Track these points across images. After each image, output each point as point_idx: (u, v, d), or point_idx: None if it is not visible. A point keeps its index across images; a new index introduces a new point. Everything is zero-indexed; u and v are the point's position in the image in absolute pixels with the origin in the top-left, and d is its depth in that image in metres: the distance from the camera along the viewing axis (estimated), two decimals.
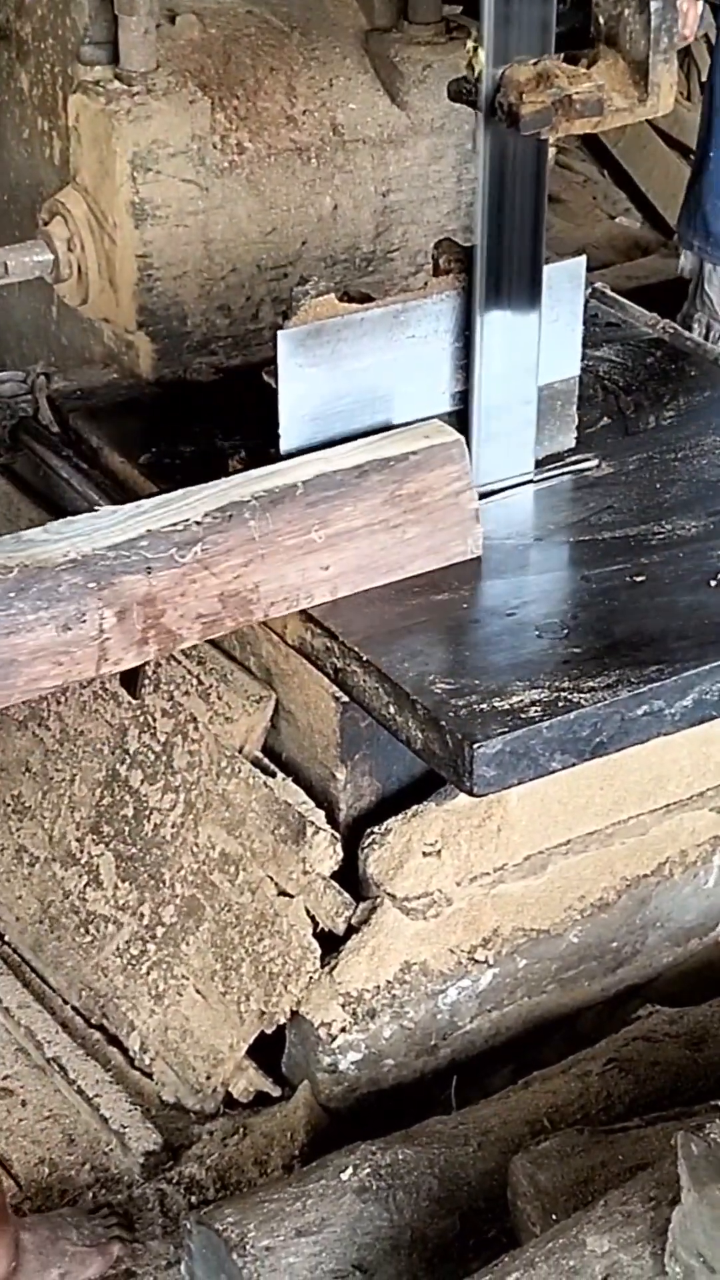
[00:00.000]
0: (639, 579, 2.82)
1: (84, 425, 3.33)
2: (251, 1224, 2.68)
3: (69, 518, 2.70)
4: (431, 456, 2.84)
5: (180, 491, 2.74)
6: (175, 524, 2.67)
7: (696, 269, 3.98)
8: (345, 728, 2.93)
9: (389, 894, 2.98)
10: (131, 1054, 3.24)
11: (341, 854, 2.97)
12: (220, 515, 2.69)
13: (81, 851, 3.34)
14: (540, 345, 3.00)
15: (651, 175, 5.94)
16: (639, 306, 3.62)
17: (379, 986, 3.00)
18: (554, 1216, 2.56)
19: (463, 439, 2.89)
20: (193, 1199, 3.02)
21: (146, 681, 3.21)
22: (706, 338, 3.87)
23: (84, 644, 2.59)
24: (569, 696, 2.57)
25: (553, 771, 2.60)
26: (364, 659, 2.69)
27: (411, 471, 2.82)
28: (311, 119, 3.43)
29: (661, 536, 2.92)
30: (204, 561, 2.66)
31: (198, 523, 2.68)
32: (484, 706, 2.56)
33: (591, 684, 2.59)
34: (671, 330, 3.46)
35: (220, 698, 3.10)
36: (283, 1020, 3.03)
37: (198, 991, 3.14)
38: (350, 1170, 2.74)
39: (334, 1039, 2.99)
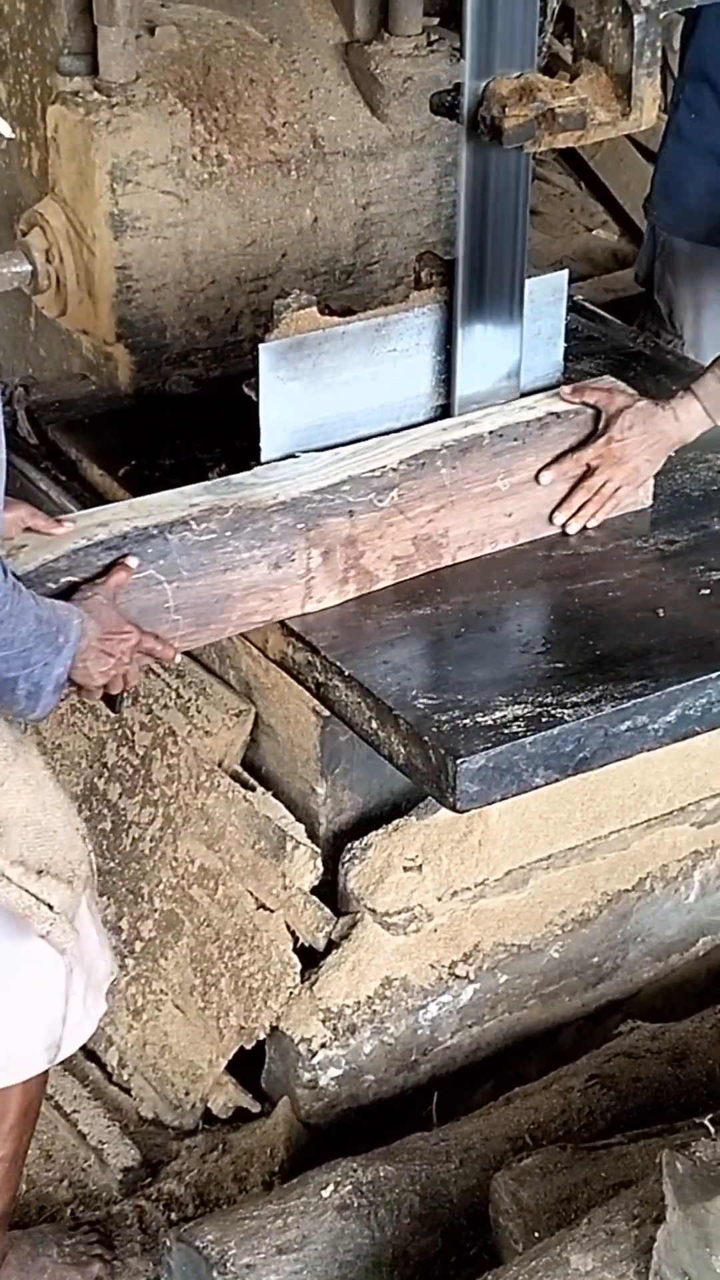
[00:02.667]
0: (621, 594, 2.81)
1: (62, 437, 3.31)
2: (232, 1241, 2.67)
3: (275, 464, 2.83)
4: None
5: (375, 440, 2.87)
6: (374, 470, 2.80)
7: (647, 272, 3.96)
8: (326, 742, 2.92)
9: (370, 909, 2.97)
10: (110, 1069, 3.23)
11: (322, 868, 2.96)
12: (414, 463, 2.82)
13: None
14: (522, 358, 2.99)
15: (628, 188, 5.95)
16: (617, 319, 3.62)
17: (359, 1002, 2.99)
18: (537, 1234, 2.55)
19: (638, 395, 2.96)
20: (172, 1216, 3.00)
21: (126, 695, 3.18)
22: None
23: (292, 581, 2.75)
24: (552, 712, 2.56)
25: (536, 787, 2.59)
26: (345, 673, 2.68)
27: (589, 425, 2.94)
28: (291, 131, 3.42)
29: (643, 551, 2.91)
30: (400, 506, 2.80)
31: (394, 469, 2.81)
32: (467, 721, 2.55)
33: (575, 699, 2.59)
34: (652, 344, 3.46)
35: (200, 711, 3.09)
36: (262, 1035, 3.02)
37: (176, 1007, 3.13)
38: (331, 1187, 2.73)
39: (314, 1054, 2.98)
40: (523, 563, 2.85)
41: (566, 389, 2.99)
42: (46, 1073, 2.75)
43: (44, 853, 2.55)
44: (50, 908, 2.54)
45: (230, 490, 2.76)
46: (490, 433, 2.88)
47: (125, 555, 2.63)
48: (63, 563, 2.59)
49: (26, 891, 2.52)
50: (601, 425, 2.93)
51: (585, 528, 2.94)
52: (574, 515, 2.94)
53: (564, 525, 2.94)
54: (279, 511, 2.72)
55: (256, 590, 2.72)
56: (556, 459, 2.92)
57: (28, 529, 2.67)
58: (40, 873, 2.53)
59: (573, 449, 2.93)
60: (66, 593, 2.57)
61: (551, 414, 2.93)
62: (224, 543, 2.69)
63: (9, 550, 2.60)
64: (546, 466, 2.91)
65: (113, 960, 2.81)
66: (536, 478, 2.91)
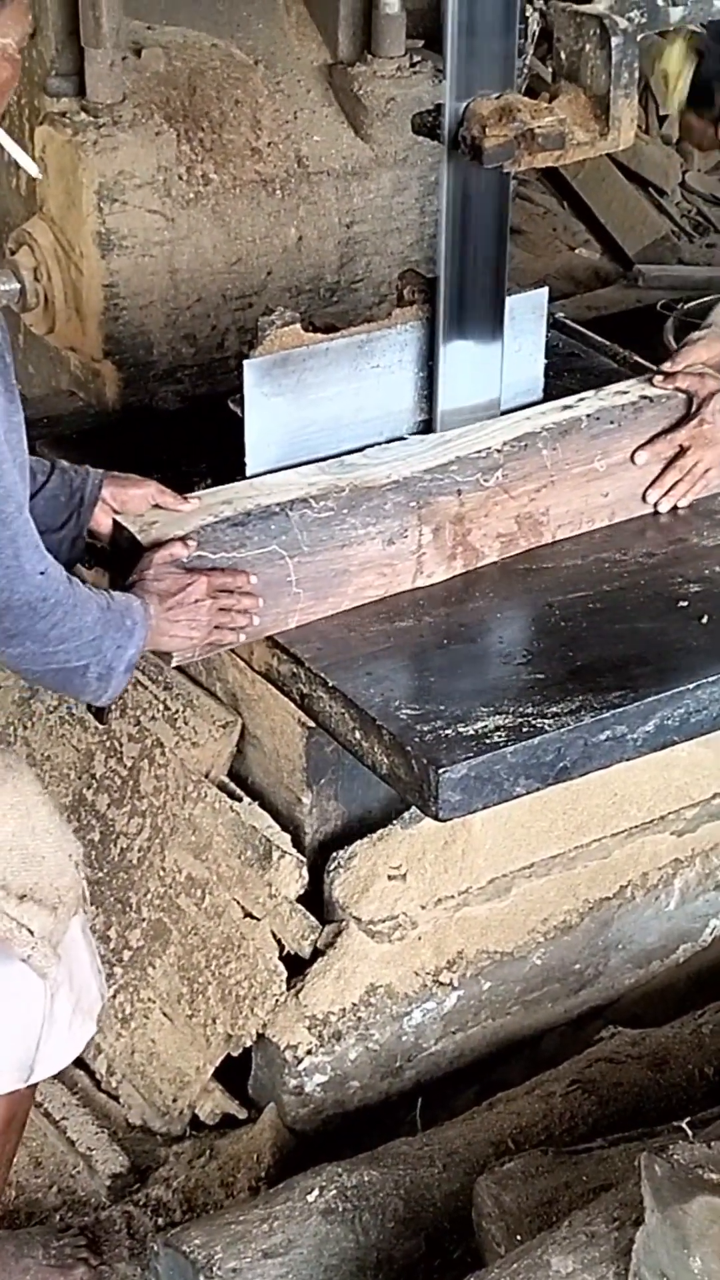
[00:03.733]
0: (600, 605, 2.82)
1: (50, 453, 3.30)
2: (218, 1246, 2.67)
3: (387, 445, 2.93)
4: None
5: (478, 424, 2.97)
6: (479, 451, 2.90)
7: None
8: (311, 753, 2.93)
9: (354, 917, 2.97)
10: (98, 1077, 3.23)
11: (307, 878, 2.97)
12: (517, 445, 2.92)
13: None
14: (503, 375, 3.00)
15: (610, 207, 5.96)
16: (599, 337, 3.63)
17: (344, 1009, 3.00)
18: (519, 1237, 2.56)
19: None
20: (159, 1221, 3.00)
21: (114, 707, 3.19)
22: None
23: (404, 557, 2.83)
24: (533, 722, 2.57)
25: (517, 796, 2.60)
26: (330, 685, 2.68)
27: (680, 408, 3.01)
28: (276, 151, 3.43)
29: (622, 564, 2.92)
30: (504, 485, 2.89)
31: (498, 450, 2.90)
32: (449, 732, 2.56)
33: (555, 709, 2.59)
34: (633, 361, 3.47)
35: (187, 723, 3.09)
36: (249, 1043, 3.02)
37: (164, 1015, 3.13)
38: (316, 1192, 2.73)
39: (300, 1061, 2.98)
40: (503, 576, 2.86)
41: (659, 376, 3.09)
42: (34, 1087, 2.76)
43: (28, 878, 2.55)
44: (30, 932, 2.55)
45: (345, 470, 2.86)
46: (588, 416, 2.97)
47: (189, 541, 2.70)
48: (194, 537, 2.70)
49: (7, 915, 2.53)
50: (694, 408, 3.02)
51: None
52: (666, 494, 3.02)
53: (656, 504, 3.02)
54: (392, 490, 2.81)
55: (371, 565, 2.80)
56: (650, 440, 3.00)
57: (156, 505, 2.77)
58: (23, 898, 2.54)
59: (666, 431, 3.01)
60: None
61: (645, 398, 3.02)
62: (341, 520, 2.77)
63: (140, 526, 2.72)
64: (641, 447, 2.99)
65: (104, 985, 2.81)
66: (632, 458, 2.99)
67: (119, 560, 2.75)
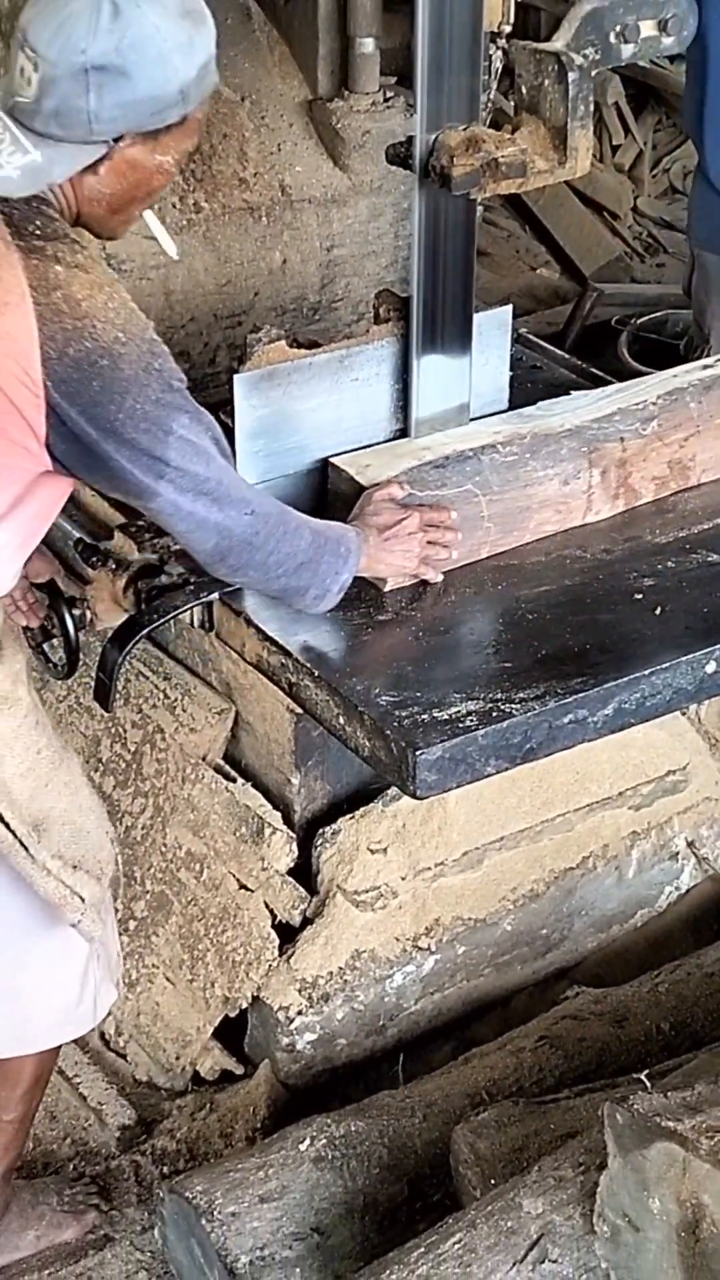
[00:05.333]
0: (563, 599, 2.80)
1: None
2: (219, 1192, 2.66)
3: (555, 399, 3.03)
4: None
5: (633, 380, 3.08)
6: (638, 403, 2.98)
7: (687, 284, 3.95)
8: (299, 737, 2.91)
9: (340, 888, 2.96)
10: (107, 1037, 3.21)
11: (297, 852, 2.96)
12: (669, 398, 2.99)
13: None
14: (471, 386, 2.98)
15: (569, 231, 5.95)
16: (558, 350, 3.62)
17: (332, 973, 2.98)
18: (493, 1181, 2.55)
19: None
20: (164, 1169, 2.99)
21: (118, 696, 3.17)
22: None
23: (577, 496, 2.91)
24: (502, 707, 2.55)
25: (488, 775, 2.58)
26: (315, 674, 2.66)
27: None
28: (262, 181, 3.41)
29: (583, 560, 2.90)
30: (659, 434, 2.97)
31: (653, 403, 2.98)
32: (425, 717, 2.53)
33: (522, 695, 2.57)
34: (591, 373, 3.45)
35: (185, 710, 3.07)
36: (245, 1004, 3.01)
37: (167, 979, 3.11)
38: (307, 1141, 2.72)
39: (291, 1021, 2.97)
40: (473, 574, 2.84)
41: None
42: (58, 1046, 2.75)
43: (78, 850, 2.56)
44: (82, 899, 2.55)
45: (524, 421, 2.95)
46: None
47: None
48: (402, 477, 2.79)
49: (63, 884, 2.53)
50: None
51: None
52: None
53: None
54: (567, 437, 2.90)
55: (550, 503, 2.88)
56: None
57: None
58: (75, 867, 2.55)
59: None
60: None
61: None
62: (524, 463, 2.86)
63: (356, 469, 2.82)
64: None
65: (120, 953, 2.81)
66: None
67: (337, 504, 2.82)
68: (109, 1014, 3.17)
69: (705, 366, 3.08)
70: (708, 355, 3.75)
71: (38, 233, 2.27)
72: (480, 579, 2.85)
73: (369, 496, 2.75)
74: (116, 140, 2.27)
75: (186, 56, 2.25)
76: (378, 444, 2.95)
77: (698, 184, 3.75)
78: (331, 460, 2.87)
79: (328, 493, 2.89)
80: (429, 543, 2.73)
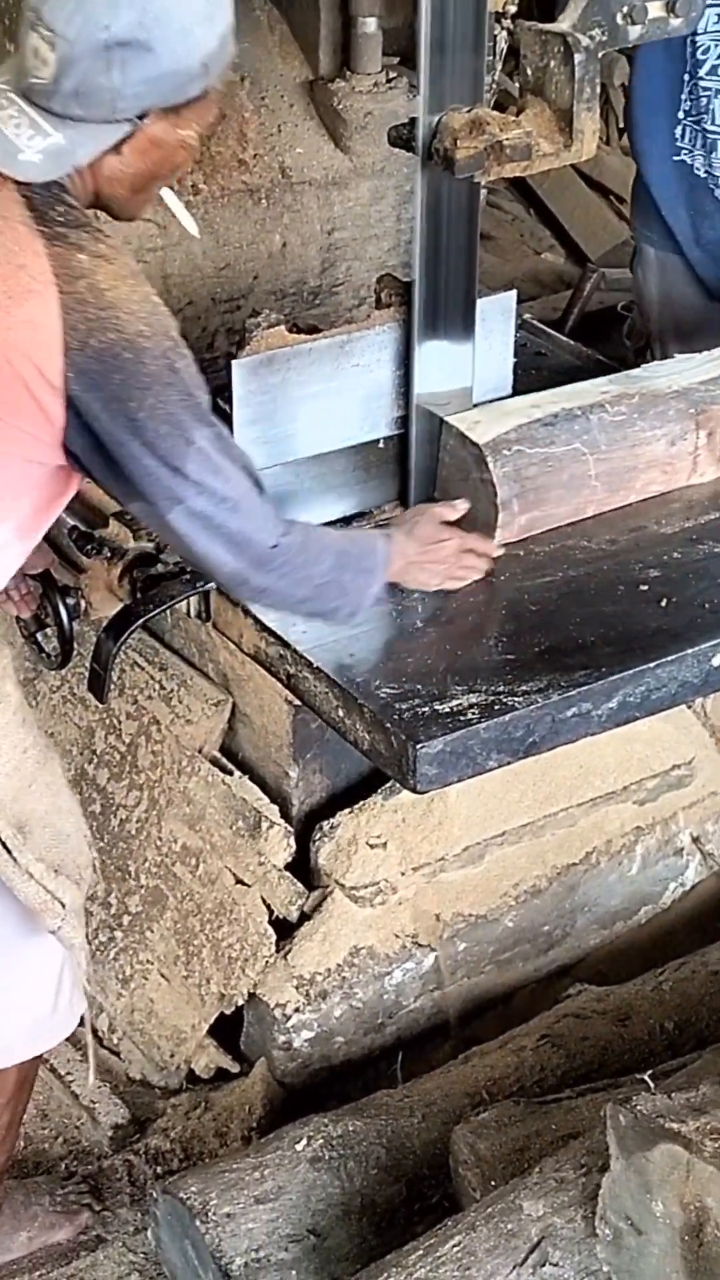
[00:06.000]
0: (567, 590, 2.80)
1: None
2: (213, 1192, 2.65)
3: (660, 361, 3.10)
4: None
5: None
6: None
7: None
8: (297, 729, 2.91)
9: (339, 883, 2.95)
10: (100, 1034, 3.21)
11: (295, 846, 2.95)
12: None
13: None
14: (474, 373, 2.97)
15: (574, 214, 5.94)
16: (563, 337, 3.61)
17: (330, 969, 2.98)
18: (493, 1183, 2.54)
19: None
20: (158, 1169, 2.99)
21: (112, 687, 3.16)
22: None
23: (683, 457, 2.96)
24: (504, 700, 2.55)
25: (489, 769, 2.58)
26: (314, 665, 2.66)
27: None
28: (262, 163, 3.40)
29: (586, 550, 2.90)
30: None
31: None
32: (426, 709, 2.53)
33: (525, 688, 2.57)
34: (596, 360, 3.44)
35: (181, 701, 3.07)
36: (241, 1001, 3.00)
37: (162, 975, 3.11)
38: (304, 1141, 2.72)
39: (288, 1018, 2.97)
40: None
41: None
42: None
43: (59, 854, 2.53)
44: (62, 905, 2.52)
45: (632, 382, 2.98)
46: None
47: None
48: (512, 434, 2.83)
49: (44, 888, 2.50)
50: None
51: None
52: None
53: None
54: (674, 398, 2.94)
55: (656, 464, 2.92)
56: None
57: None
58: (56, 872, 2.52)
59: None
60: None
61: None
62: (632, 423, 2.90)
63: (467, 424, 2.83)
64: None
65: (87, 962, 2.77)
66: None
67: (447, 460, 2.87)
68: (103, 1010, 3.18)
69: None
70: (649, 349, 3.80)
71: (60, 220, 2.23)
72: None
73: (420, 509, 2.79)
74: (140, 118, 2.24)
75: (208, 28, 2.23)
76: (380, 434, 2.95)
77: (637, 173, 3.79)
78: (445, 418, 2.88)
79: (439, 450, 2.91)
80: (461, 566, 2.74)
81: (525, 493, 2.83)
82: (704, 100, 3.42)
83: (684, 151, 3.52)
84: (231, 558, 2.38)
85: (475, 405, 2.97)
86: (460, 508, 2.78)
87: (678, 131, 3.52)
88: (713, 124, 3.45)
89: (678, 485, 2.98)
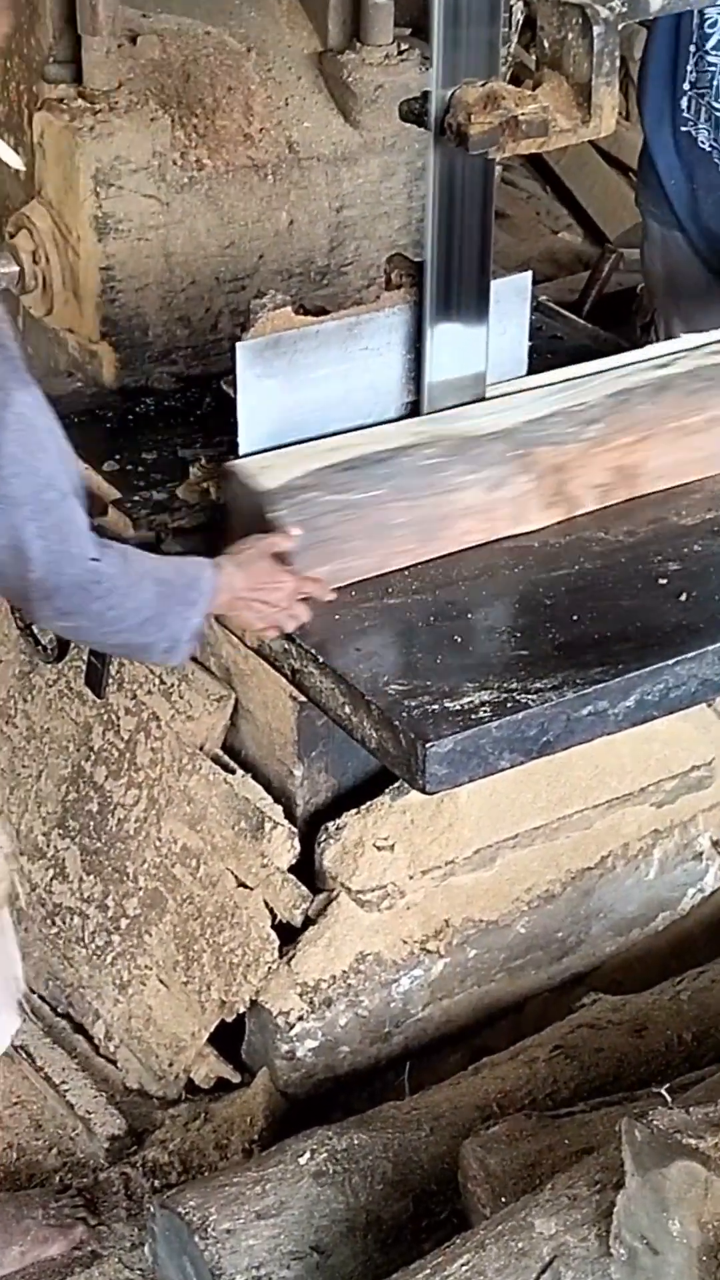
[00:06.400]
0: (583, 583, 2.79)
1: None
2: (213, 1207, 2.65)
3: (487, 401, 2.93)
4: None
5: (580, 379, 2.96)
6: (579, 404, 2.90)
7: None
8: (302, 726, 2.90)
9: (345, 887, 2.95)
10: (97, 1041, 3.21)
11: (299, 848, 2.95)
12: (615, 399, 2.91)
13: (48, 846, 3.29)
14: (488, 356, 2.96)
15: (592, 192, 5.93)
16: (580, 320, 3.60)
17: (335, 976, 2.97)
18: (503, 1199, 2.54)
19: None
20: (156, 1182, 2.99)
21: (111, 681, 3.16)
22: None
23: (504, 504, 2.84)
24: (517, 697, 2.54)
25: (502, 769, 2.57)
26: (320, 660, 2.66)
27: None
28: (268, 137, 3.39)
29: (603, 543, 2.89)
30: (602, 438, 2.88)
31: (596, 405, 2.90)
32: (436, 707, 2.53)
33: (539, 685, 2.57)
34: (614, 343, 3.43)
35: (182, 697, 3.06)
36: (242, 1009, 3.00)
37: (160, 981, 3.10)
38: (308, 1155, 2.72)
39: (292, 1027, 2.96)
40: (488, 555, 2.83)
41: None
42: None
43: None
44: None
45: (450, 421, 2.88)
46: (685, 373, 2.96)
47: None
48: (306, 479, 2.74)
49: None
50: None
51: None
52: None
53: None
54: (494, 439, 2.83)
55: (473, 511, 2.82)
56: None
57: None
58: None
59: None
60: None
61: None
62: (445, 466, 2.79)
63: (258, 468, 2.73)
64: None
65: (21, 976, 2.71)
66: None
67: (233, 510, 2.77)
68: (99, 1018, 3.17)
69: (660, 365, 2.99)
70: (654, 325, 3.81)
71: None
72: (494, 561, 2.84)
73: (254, 539, 2.64)
74: None
75: None
76: (388, 419, 2.94)
77: (642, 148, 3.79)
78: (227, 465, 2.77)
79: (225, 498, 2.79)
80: (289, 613, 2.62)
81: (320, 543, 2.70)
82: (710, 74, 3.44)
83: (689, 124, 3.54)
84: (42, 566, 2.22)
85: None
86: (295, 535, 2.66)
87: (683, 103, 3.53)
88: (718, 99, 3.46)
89: (501, 534, 2.83)
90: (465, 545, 2.82)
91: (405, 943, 3.03)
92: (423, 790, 2.55)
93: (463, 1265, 2.36)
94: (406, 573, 2.81)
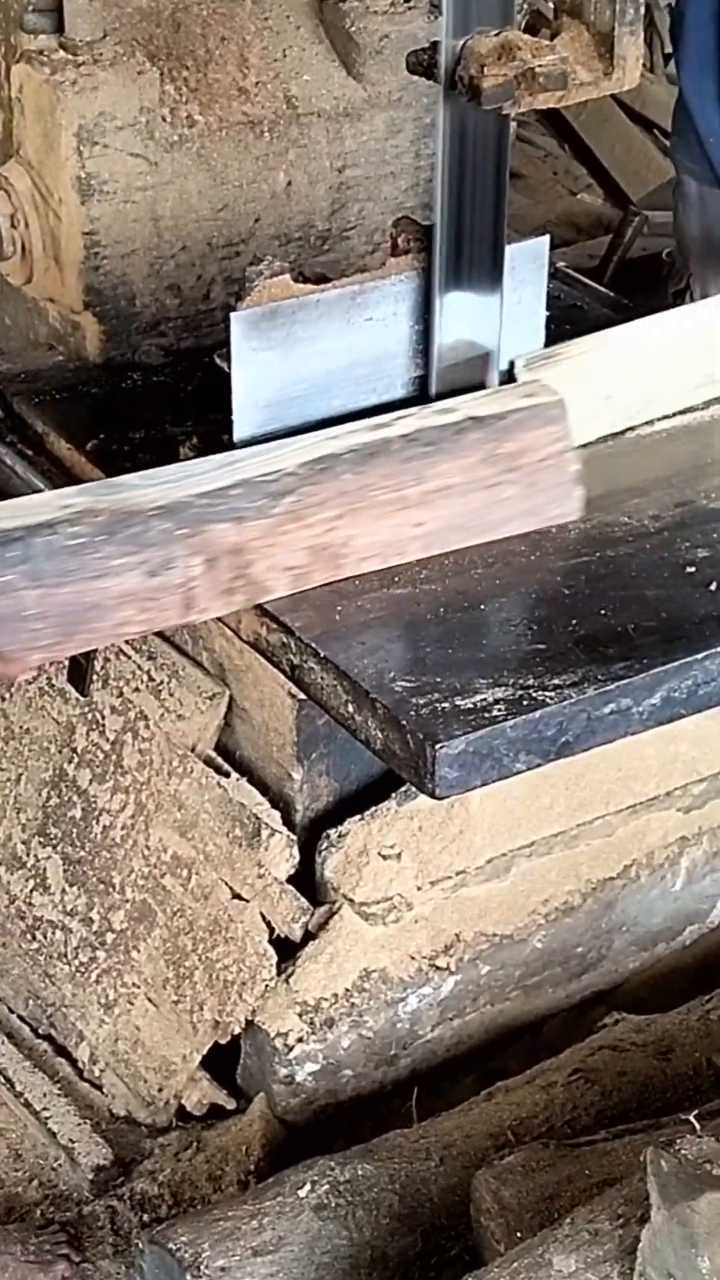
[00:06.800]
0: (605, 571, 2.79)
1: (28, 410, 3.28)
2: (206, 1243, 2.65)
3: (160, 468, 2.73)
4: (533, 416, 2.84)
5: (275, 443, 2.78)
6: (268, 474, 2.69)
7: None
8: (302, 726, 2.91)
9: (347, 898, 2.96)
10: (80, 1065, 3.21)
11: (298, 857, 2.95)
12: (314, 467, 2.71)
13: (28, 854, 3.30)
14: (502, 328, 2.97)
15: (614, 150, 5.94)
16: (601, 288, 3.61)
17: (337, 995, 2.98)
18: (519, 1234, 2.54)
19: (565, 399, 2.87)
20: (145, 1216, 2.99)
21: (95, 677, 3.17)
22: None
23: (170, 591, 2.63)
24: (534, 694, 2.54)
25: (517, 772, 2.57)
26: (321, 655, 2.66)
27: (511, 430, 2.82)
28: (264, 91, 3.39)
29: (627, 527, 2.89)
30: (295, 513, 2.67)
31: (291, 474, 2.69)
32: (446, 705, 2.53)
33: (557, 681, 2.57)
34: (638, 313, 3.43)
35: (172, 694, 3.07)
36: (237, 1030, 3.00)
37: (149, 1000, 3.11)
38: (308, 1187, 2.72)
39: (290, 1049, 2.97)
40: (501, 541, 2.83)
41: None
42: None
43: None
44: None
45: (109, 491, 2.66)
46: (401, 436, 2.78)
47: None
48: None
49: None
50: None
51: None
52: None
53: None
54: (157, 516, 2.61)
55: (131, 599, 2.61)
56: None
57: None
58: None
59: None
60: None
61: (472, 418, 2.82)
62: (95, 548, 2.57)
63: None
64: None
65: None
66: None
67: None
68: (83, 1039, 3.18)
69: (374, 426, 2.78)
70: (689, 291, 3.81)
71: None
72: (509, 548, 2.84)
73: None
74: None
75: None
76: (396, 396, 2.94)
77: (678, 100, 3.79)
78: None
79: None
80: None
81: None
82: None
83: None
84: None
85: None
86: None
87: None
88: None
89: (170, 625, 2.70)
90: (123, 638, 2.70)
91: (413, 959, 3.04)
92: (432, 795, 2.55)
93: None
94: (414, 560, 2.82)
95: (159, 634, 3.14)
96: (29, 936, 3.28)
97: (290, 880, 2.96)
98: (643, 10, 2.71)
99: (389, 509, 2.76)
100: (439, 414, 2.83)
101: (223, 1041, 3.03)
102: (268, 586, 2.72)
